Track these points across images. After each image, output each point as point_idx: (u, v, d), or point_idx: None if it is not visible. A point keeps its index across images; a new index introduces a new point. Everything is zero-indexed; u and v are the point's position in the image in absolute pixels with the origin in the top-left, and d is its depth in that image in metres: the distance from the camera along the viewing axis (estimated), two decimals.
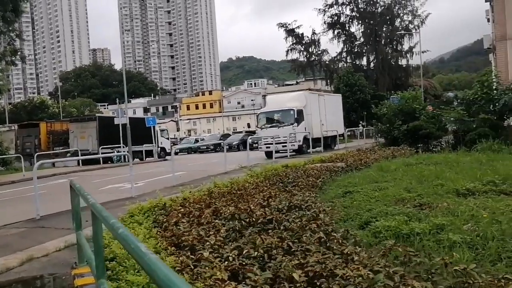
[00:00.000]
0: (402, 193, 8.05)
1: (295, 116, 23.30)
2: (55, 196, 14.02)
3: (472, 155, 13.83)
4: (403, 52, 62.02)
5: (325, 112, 26.41)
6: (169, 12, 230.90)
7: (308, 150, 24.29)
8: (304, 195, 7.78)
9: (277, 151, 24.12)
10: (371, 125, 46.76)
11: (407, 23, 61.68)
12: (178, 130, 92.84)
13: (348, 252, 4.38)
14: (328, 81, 63.57)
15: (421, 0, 59.76)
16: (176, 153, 42.99)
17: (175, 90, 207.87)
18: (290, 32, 61.89)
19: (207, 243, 4.96)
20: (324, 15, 62.26)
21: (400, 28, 60.61)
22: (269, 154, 24.37)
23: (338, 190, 9.07)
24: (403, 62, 63.16)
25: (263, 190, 8.65)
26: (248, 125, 39.83)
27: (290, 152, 23.06)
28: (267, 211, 6.57)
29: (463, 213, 6.21)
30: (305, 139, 24.07)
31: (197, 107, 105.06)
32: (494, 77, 19.66)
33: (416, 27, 60.25)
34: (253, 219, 6.06)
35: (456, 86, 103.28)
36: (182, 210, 7.11)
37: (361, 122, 52.30)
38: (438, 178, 9.20)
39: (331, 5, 62.42)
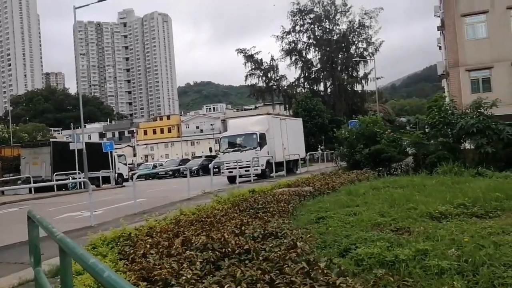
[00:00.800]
0: (377, 217, 7.89)
1: (258, 140, 23.11)
2: (5, 227, 13.09)
3: (435, 178, 13.98)
4: (359, 78, 63.58)
5: (287, 136, 26.39)
6: (125, 36, 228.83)
7: (271, 174, 24.10)
8: (278, 221, 7.46)
9: (240, 176, 23.77)
10: (329, 149, 47.35)
11: (361, 50, 63.44)
12: (135, 155, 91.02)
13: (337, 283, 4.08)
14: (287, 106, 64.17)
15: (375, 28, 61.75)
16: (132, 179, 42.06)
17: (131, 115, 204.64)
18: (249, 57, 62.40)
19: (183, 277, 4.55)
20: (282, 42, 63.29)
21: (355, 55, 62.32)
22: (231, 179, 23.98)
23: (310, 215, 8.82)
24: (358, 88, 64.72)
25: (234, 217, 8.28)
26: (210, 150, 39.27)
27: (253, 176, 22.77)
28: (242, 240, 6.21)
29: (443, 238, 6.08)
30: (268, 163, 23.88)
31: (154, 132, 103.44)
32: (450, 101, 20.24)
33: (370, 54, 62.18)
34: (228, 249, 5.68)
35: (408, 111, 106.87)
36: (150, 240, 6.64)
37: (319, 146, 52.88)
38: (409, 201, 9.13)
39: (288, 32, 63.54)
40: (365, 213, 8.37)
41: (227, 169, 23.19)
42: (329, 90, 65.24)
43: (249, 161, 22.38)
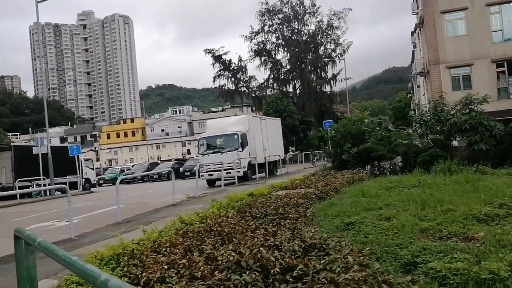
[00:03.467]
0: (416, 222, 6.86)
1: (240, 141, 21.87)
2: None
3: (437, 176, 13.18)
4: (327, 79, 63.29)
5: (267, 136, 25.29)
6: (85, 39, 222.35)
7: (254, 176, 22.93)
8: (309, 230, 6.31)
9: (219, 179, 22.49)
10: (300, 150, 46.62)
11: (330, 51, 63.22)
12: (98, 160, 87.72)
13: None
14: (257, 107, 63.14)
15: (343, 29, 61.64)
16: (100, 185, 39.94)
17: (92, 118, 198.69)
18: (217, 58, 61.01)
19: None
20: (250, 42, 62.29)
21: (323, 56, 62.05)
22: (211, 182, 22.68)
23: (333, 221, 7.72)
24: (327, 89, 64.45)
25: (250, 225, 7.06)
26: (188, 152, 37.67)
27: (233, 179, 21.54)
28: (280, 255, 5.02)
29: None
30: (250, 164, 22.68)
31: (118, 136, 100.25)
32: (439, 98, 19.66)
33: (339, 55, 62.02)
34: (273, 269, 4.47)
35: (370, 113, 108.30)
36: (163, 258, 5.34)
37: (290, 147, 52.13)
38: (441, 202, 8.16)
39: (257, 33, 62.60)
40: (399, 217, 7.32)
41: (207, 172, 21.83)
42: (298, 91, 64.67)
43: (231, 163, 21.14)
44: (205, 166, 21.66)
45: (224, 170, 20.84)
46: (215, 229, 6.96)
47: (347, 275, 4.08)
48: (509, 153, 18.34)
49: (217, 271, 4.81)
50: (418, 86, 42.05)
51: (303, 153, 36.46)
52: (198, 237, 6.62)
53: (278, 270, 4.44)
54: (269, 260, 4.86)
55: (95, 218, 13.44)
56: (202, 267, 4.85)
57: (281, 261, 4.58)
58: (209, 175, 21.99)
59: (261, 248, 5.14)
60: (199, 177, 18.36)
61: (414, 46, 43.31)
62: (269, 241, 5.76)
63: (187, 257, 5.46)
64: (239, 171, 21.31)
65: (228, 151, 21.81)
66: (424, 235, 6.24)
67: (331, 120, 36.22)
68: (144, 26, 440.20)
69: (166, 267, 4.93)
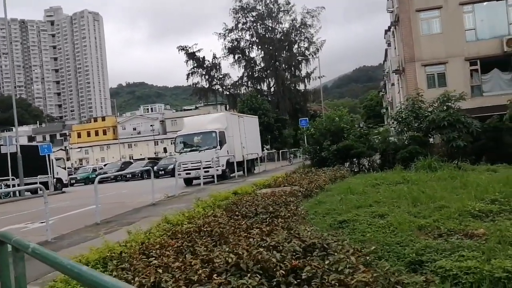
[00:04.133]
0: (412, 219, 6.73)
1: (218, 139, 21.49)
2: None
3: (415, 173, 13.19)
4: (301, 78, 63.38)
5: (245, 134, 24.98)
6: (53, 35, 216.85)
7: (232, 175, 22.61)
8: (305, 228, 6.08)
9: (197, 178, 22.09)
10: (275, 148, 46.58)
11: (303, 49, 63.31)
12: (68, 159, 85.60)
13: None
14: (231, 105, 62.74)
15: (316, 27, 61.83)
16: (71, 184, 38.85)
17: (61, 117, 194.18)
18: (191, 55, 60.24)
19: None
20: (224, 39, 61.78)
21: (297, 54, 62.10)
22: (188, 181, 22.26)
23: (326, 219, 7.53)
24: (301, 87, 64.57)
25: (240, 224, 6.79)
26: (165, 150, 36.97)
27: (211, 178, 21.18)
28: (280, 256, 4.76)
29: None
30: (228, 163, 22.33)
31: (89, 135, 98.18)
32: (417, 95, 19.78)
33: (312, 54, 62.19)
34: (280, 271, 4.21)
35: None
36: (155, 261, 5.02)
37: (265, 146, 52.02)
38: (432, 199, 8.07)
39: (230, 30, 62.11)
40: (393, 214, 7.18)
41: (184, 170, 21.37)
42: (272, 89, 64.54)
43: (209, 161, 20.77)
44: (183, 164, 21.20)
45: (199, 168, 20.45)
46: (205, 229, 6.66)
47: (358, 276, 3.86)
48: (486, 150, 18.62)
49: (215, 274, 4.53)
50: (392, 84, 42.51)
51: (280, 151, 36.34)
52: (188, 238, 6.30)
53: (283, 272, 4.18)
54: (269, 262, 4.61)
55: (71, 219, 12.92)
56: (199, 270, 4.56)
57: (286, 263, 4.31)
58: (187, 173, 21.54)
59: (260, 249, 4.88)
60: (175, 175, 17.87)
61: (389, 44, 43.76)
62: (265, 241, 5.50)
63: (180, 259, 5.15)
64: (217, 170, 20.94)
65: (206, 149, 21.41)
66: (422, 232, 6.11)
67: (307, 118, 36.18)
68: (115, 22, 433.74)
69: (160, 270, 4.61)
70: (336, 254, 4.82)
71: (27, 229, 11.88)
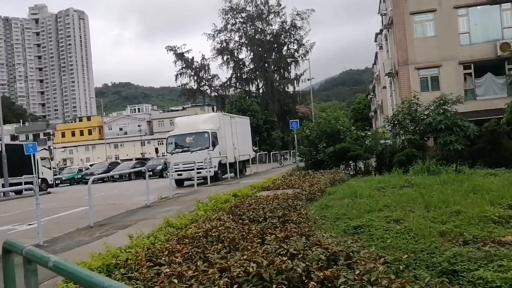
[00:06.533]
0: (430, 224, 6.41)
1: (210, 140, 21.05)
2: None
3: (432, 177, 12.93)
4: (291, 79, 63.20)
5: (237, 135, 24.57)
6: (38, 33, 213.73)
7: (224, 176, 22.17)
8: (323, 235, 5.72)
9: (188, 179, 21.64)
10: (263, 150, 46.26)
11: (293, 51, 63.19)
12: (52, 159, 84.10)
13: None
14: (219, 106, 62.28)
15: (305, 29, 61.75)
16: (56, 185, 37.95)
17: (44, 116, 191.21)
18: (180, 56, 59.76)
19: None
20: (213, 40, 61.37)
21: (286, 56, 61.93)
22: (180, 182, 21.78)
23: (338, 224, 7.17)
24: (290, 89, 64.40)
25: (250, 229, 6.39)
26: (156, 150, 36.29)
27: (200, 180, 20.73)
28: (303, 265, 4.37)
29: None
30: (221, 164, 21.88)
31: (73, 134, 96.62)
32: (413, 98, 19.61)
33: (301, 56, 62.10)
34: (311, 282, 3.83)
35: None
36: (167, 270, 4.59)
37: (254, 147, 51.63)
38: (445, 203, 7.77)
39: (220, 31, 61.74)
40: (408, 219, 6.85)
41: (176, 171, 20.87)
42: (261, 90, 64.25)
43: (201, 162, 20.32)
44: (174, 165, 20.70)
45: (191, 169, 20.00)
46: (212, 234, 6.26)
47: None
48: (482, 154, 18.47)
49: (235, 285, 4.14)
50: (384, 87, 42.41)
51: (271, 152, 36.04)
52: (197, 243, 5.89)
53: (315, 284, 3.80)
54: (294, 272, 4.23)
55: (61, 221, 12.37)
56: (217, 281, 4.16)
57: (316, 273, 3.92)
58: (178, 174, 21.05)
59: (283, 258, 4.49)
60: (163, 176, 17.40)
61: (380, 47, 43.72)
62: (283, 248, 5.12)
63: (193, 267, 4.73)
64: (209, 171, 20.51)
65: (199, 150, 20.95)
66: (445, 239, 5.78)
67: (297, 120, 35.87)
68: (101, 21, 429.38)
69: (175, 280, 4.19)
70: (367, 263, 4.46)
71: (15, 231, 11.30)
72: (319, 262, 4.59)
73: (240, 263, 4.56)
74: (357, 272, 4.14)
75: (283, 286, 3.99)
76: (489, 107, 23.92)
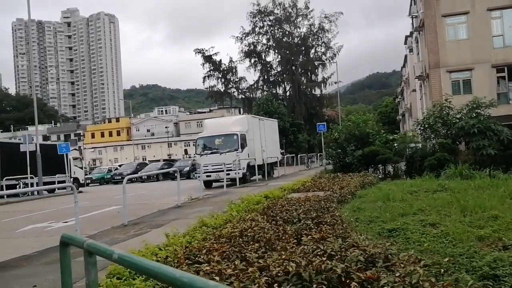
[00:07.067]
0: (467, 229, 6.34)
1: (239, 142, 21.20)
2: None
3: (466, 181, 12.73)
4: (318, 82, 63.01)
5: (265, 137, 24.68)
6: (69, 37, 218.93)
7: (253, 178, 22.29)
8: (360, 238, 5.73)
9: (216, 180, 21.84)
10: (289, 152, 46.21)
11: (320, 54, 62.99)
12: (82, 159, 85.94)
13: None
14: (246, 108, 62.53)
15: (333, 32, 61.49)
16: (87, 184, 38.79)
17: (75, 117, 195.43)
18: (208, 58, 60.33)
19: None
20: (241, 43, 61.76)
21: (314, 59, 61.78)
22: (208, 184, 21.98)
23: (372, 227, 7.15)
24: (317, 92, 64.22)
25: (285, 229, 6.45)
26: (185, 152, 36.73)
27: (229, 181, 20.89)
28: (342, 266, 4.40)
29: None
30: (249, 166, 22.02)
31: (103, 135, 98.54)
32: (445, 101, 19.31)
33: (329, 59, 61.82)
34: (353, 283, 3.87)
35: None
36: (207, 268, 4.68)
37: (280, 150, 51.64)
38: (481, 208, 7.66)
39: (247, 34, 62.10)
40: (446, 223, 6.79)
41: (205, 172, 21.08)
42: (288, 93, 64.28)
43: (230, 164, 20.47)
44: (203, 166, 20.93)
45: (221, 171, 20.18)
46: (248, 234, 6.33)
47: None
48: None
49: (275, 284, 4.20)
50: (413, 90, 41.85)
51: (299, 155, 36.04)
52: (233, 242, 5.98)
53: (356, 285, 3.83)
54: (333, 272, 4.26)
55: (96, 219, 12.66)
56: (257, 279, 4.22)
57: (359, 275, 3.95)
58: (207, 176, 21.25)
59: (322, 258, 4.54)
60: (190, 177, 17.57)
61: (410, 50, 43.18)
62: (320, 249, 5.16)
63: (232, 266, 4.81)
64: (238, 173, 20.65)
65: (227, 151, 21.13)
66: (483, 244, 5.71)
67: (325, 123, 35.79)
68: (131, 24, 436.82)
69: (217, 278, 4.28)
70: (402, 265, 4.46)
71: (52, 229, 11.63)
72: (358, 264, 4.63)
73: (279, 263, 4.62)
74: (397, 274, 4.16)
75: (323, 286, 4.03)
76: None
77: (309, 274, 4.26)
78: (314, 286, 4.02)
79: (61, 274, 3.02)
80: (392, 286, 3.73)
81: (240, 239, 6.23)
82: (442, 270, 4.30)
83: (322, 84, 63.12)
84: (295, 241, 5.77)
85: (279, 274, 4.42)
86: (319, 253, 5.02)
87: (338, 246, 5.24)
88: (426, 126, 19.31)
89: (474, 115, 18.28)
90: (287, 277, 4.36)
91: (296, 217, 7.31)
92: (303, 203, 8.88)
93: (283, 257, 4.80)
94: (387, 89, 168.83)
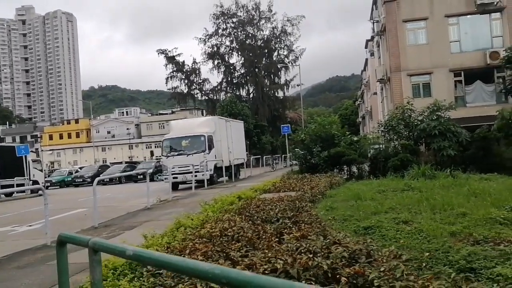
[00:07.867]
0: (440, 225, 6.62)
1: (206, 143, 21.14)
2: None
3: (429, 181, 13.18)
4: (281, 85, 63.62)
5: (231, 138, 24.71)
6: (24, 35, 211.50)
7: (220, 179, 22.27)
8: (339, 235, 5.87)
9: (183, 182, 21.69)
10: (253, 154, 46.41)
11: (283, 57, 63.61)
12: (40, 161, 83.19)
13: None
14: (210, 110, 62.34)
15: (296, 35, 62.30)
16: (47, 187, 37.63)
17: (31, 118, 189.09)
18: (171, 59, 59.82)
19: None
20: (204, 45, 61.57)
21: (276, 62, 62.34)
22: (175, 185, 21.77)
23: (347, 225, 7.35)
24: (280, 94, 64.84)
25: (264, 228, 6.54)
26: (151, 154, 36.17)
27: (196, 183, 20.80)
28: (327, 263, 4.52)
29: None
30: (216, 167, 21.98)
31: (61, 137, 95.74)
32: (407, 104, 19.93)
33: (291, 62, 62.54)
34: (342, 278, 3.98)
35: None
36: None
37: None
38: (449, 205, 8.00)
39: (211, 36, 61.97)
40: (418, 220, 7.06)
41: (172, 174, 20.89)
42: (251, 95, 64.55)
43: (197, 165, 20.38)
44: (170, 168, 20.73)
45: (188, 173, 20.08)
46: (228, 234, 6.37)
47: (434, 284, 3.67)
48: (474, 159, 18.82)
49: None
50: (374, 93, 42.92)
51: (263, 156, 36.26)
52: (214, 242, 6.00)
53: (346, 279, 3.95)
54: (320, 268, 4.37)
55: (64, 222, 12.38)
56: None
57: (348, 270, 4.07)
58: (174, 177, 21.06)
59: (308, 255, 4.64)
60: (155, 179, 17.45)
61: (371, 54, 44.25)
62: (303, 247, 5.27)
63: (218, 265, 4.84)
64: (205, 174, 20.59)
65: (195, 153, 21.02)
66: (456, 239, 5.98)
67: (289, 125, 36.19)
68: (91, 23, 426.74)
69: None
70: (384, 260, 4.63)
71: (16, 233, 11.28)
72: (343, 260, 4.76)
73: (265, 261, 4.69)
74: (382, 269, 4.31)
75: (311, 282, 4.13)
76: (479, 114, 24.37)
77: (297, 271, 4.36)
78: (303, 282, 4.12)
79: (58, 273, 3.01)
80: (381, 279, 3.86)
81: (221, 239, 6.27)
82: (423, 264, 4.47)
83: (285, 87, 63.86)
84: (277, 239, 5.87)
85: (266, 272, 4.50)
86: (302, 251, 5.13)
87: (320, 243, 5.37)
88: (389, 127, 19.85)
89: (435, 117, 18.97)
90: (275, 274, 4.44)
91: (274, 217, 7.42)
92: (277, 203, 8.98)
93: (269, 255, 4.88)
94: (346, 92, 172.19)
